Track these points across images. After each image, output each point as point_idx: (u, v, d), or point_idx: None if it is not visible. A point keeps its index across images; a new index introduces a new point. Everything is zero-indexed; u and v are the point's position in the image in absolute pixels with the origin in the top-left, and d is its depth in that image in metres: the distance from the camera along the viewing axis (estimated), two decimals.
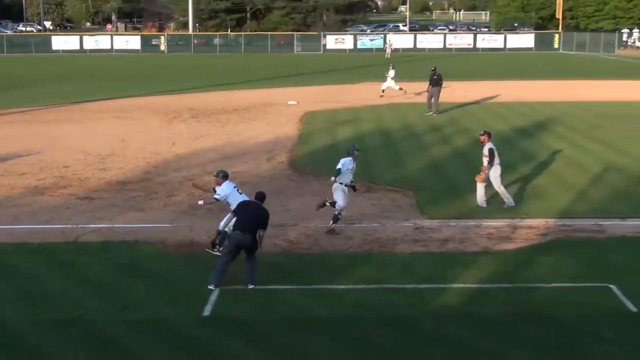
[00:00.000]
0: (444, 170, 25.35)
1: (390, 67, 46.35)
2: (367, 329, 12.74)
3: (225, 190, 16.13)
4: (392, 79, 45.63)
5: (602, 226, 18.61)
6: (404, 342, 12.23)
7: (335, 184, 18.27)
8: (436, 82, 38.93)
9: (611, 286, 14.48)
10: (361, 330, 12.66)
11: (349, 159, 18.45)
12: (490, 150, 20.29)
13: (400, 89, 45.13)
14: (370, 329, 12.71)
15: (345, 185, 18.24)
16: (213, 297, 14.07)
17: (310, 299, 14.12)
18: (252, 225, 14.52)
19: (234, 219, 14.94)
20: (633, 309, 13.53)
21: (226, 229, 15.44)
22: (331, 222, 18.11)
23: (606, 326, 12.82)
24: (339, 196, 18.12)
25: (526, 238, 17.79)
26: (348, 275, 15.29)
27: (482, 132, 21.10)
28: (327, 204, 18.36)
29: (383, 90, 45.63)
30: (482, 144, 20.78)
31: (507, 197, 20.44)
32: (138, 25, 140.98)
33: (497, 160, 20.29)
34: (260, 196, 15.43)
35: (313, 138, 31.76)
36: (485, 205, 20.43)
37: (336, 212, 18.09)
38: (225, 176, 16.45)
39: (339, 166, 18.24)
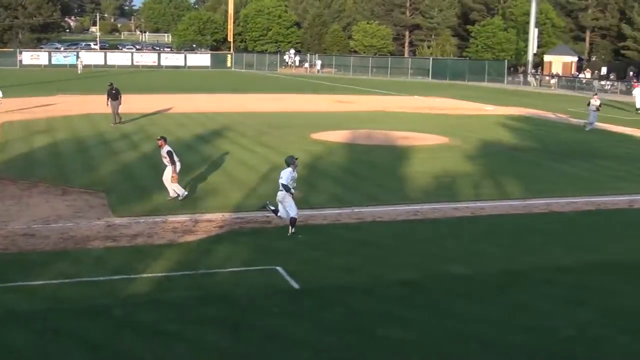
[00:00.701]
0: (132, 172, 24.79)
1: None
2: (63, 319, 12.08)
3: None
4: None
5: (269, 217, 19.08)
6: (97, 329, 11.73)
7: (283, 192, 17.13)
8: (115, 96, 37.88)
9: (277, 268, 14.85)
10: (57, 321, 11.98)
11: (290, 169, 17.37)
12: (169, 152, 20.31)
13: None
14: (66, 319, 12.06)
15: (291, 193, 17.16)
16: None
17: (8, 295, 13.12)
18: None
19: None
20: (295, 286, 13.96)
21: None
22: (290, 227, 17.17)
23: (274, 302, 13.10)
24: (291, 204, 17.12)
25: (206, 230, 17.80)
26: (45, 272, 14.39)
27: (159, 138, 21.12)
28: (268, 207, 17.63)
29: None
30: (160, 148, 20.74)
31: (180, 189, 20.48)
32: None
33: (176, 158, 20.35)
34: None
35: (10, 146, 29.71)
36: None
37: (291, 216, 17.25)
38: None
39: (285, 180, 17.15)
